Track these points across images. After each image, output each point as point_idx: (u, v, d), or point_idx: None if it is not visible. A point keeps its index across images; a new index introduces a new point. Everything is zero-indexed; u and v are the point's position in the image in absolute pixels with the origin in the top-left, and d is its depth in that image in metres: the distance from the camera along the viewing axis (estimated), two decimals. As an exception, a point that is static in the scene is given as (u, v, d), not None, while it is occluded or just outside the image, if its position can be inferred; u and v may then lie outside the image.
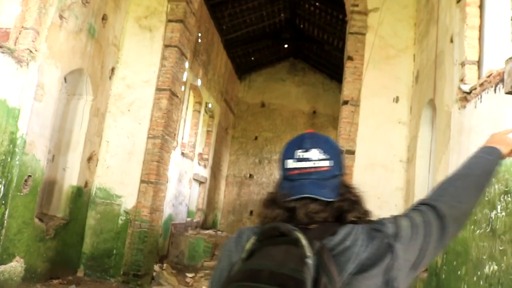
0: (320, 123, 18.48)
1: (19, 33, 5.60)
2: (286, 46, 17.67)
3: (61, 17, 6.27)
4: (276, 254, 1.05)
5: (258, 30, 15.98)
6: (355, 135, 7.50)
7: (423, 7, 7.37)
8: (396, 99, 7.61)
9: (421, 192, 6.44)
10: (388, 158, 7.38)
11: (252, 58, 18.19)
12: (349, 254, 1.13)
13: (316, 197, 1.20)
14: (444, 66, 5.69)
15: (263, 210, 1.26)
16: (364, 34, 7.92)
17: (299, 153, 1.26)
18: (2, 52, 5.16)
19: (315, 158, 1.25)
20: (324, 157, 1.25)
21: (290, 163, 1.26)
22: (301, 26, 16.24)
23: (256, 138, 18.61)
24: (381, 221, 1.22)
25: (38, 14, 5.73)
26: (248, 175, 18.34)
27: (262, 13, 14.86)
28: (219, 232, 14.77)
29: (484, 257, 3.71)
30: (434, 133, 6.39)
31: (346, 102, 7.71)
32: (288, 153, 1.28)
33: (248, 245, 1.11)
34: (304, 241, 1.05)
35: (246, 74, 19.24)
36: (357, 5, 8.03)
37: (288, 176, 1.26)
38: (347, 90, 7.75)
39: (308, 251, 1.04)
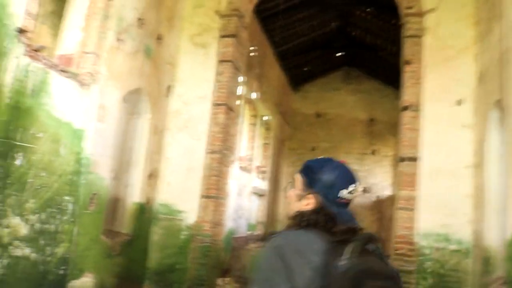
0: (378, 131, 18.08)
1: (81, 58, 5.84)
2: (339, 54, 17.46)
3: (118, 40, 6.49)
4: (372, 257, 1.45)
5: (310, 40, 15.88)
6: (417, 141, 7.19)
7: (483, 4, 7.03)
8: (459, 102, 7.24)
9: (494, 198, 6.03)
10: (453, 164, 6.99)
11: (305, 69, 18.08)
12: None
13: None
14: (510, 64, 5.38)
15: (333, 225, 1.54)
16: (420, 37, 7.62)
17: (352, 188, 1.62)
18: (67, 77, 5.40)
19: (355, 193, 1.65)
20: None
21: (345, 194, 1.61)
22: (353, 33, 16.00)
23: (313, 149, 18.44)
24: None
25: (97, 38, 5.96)
26: (307, 187, 18.13)
27: (312, 24, 14.78)
28: (279, 245, 14.63)
29: None
30: (503, 136, 6.02)
31: (406, 108, 7.44)
32: (342, 184, 1.61)
33: (350, 248, 1.41)
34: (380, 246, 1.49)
35: (299, 85, 19.18)
36: (411, 7, 7.76)
37: (338, 203, 1.60)
38: (407, 95, 7.47)
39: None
